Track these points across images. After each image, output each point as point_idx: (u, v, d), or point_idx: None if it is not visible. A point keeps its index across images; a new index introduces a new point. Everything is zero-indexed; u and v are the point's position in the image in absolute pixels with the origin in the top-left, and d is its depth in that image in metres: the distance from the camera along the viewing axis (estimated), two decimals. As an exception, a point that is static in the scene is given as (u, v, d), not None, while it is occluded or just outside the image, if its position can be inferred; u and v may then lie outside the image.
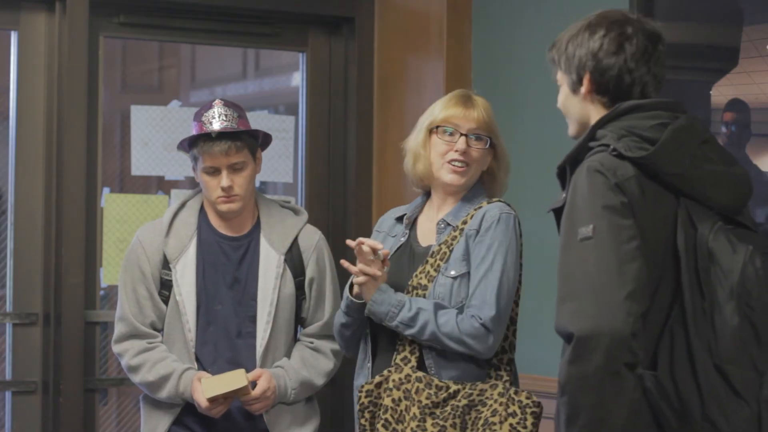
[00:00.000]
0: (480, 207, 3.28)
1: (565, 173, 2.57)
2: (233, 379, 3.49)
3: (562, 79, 2.65)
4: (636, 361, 2.35)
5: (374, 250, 3.23)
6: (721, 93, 3.68)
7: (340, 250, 4.65)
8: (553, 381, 4.09)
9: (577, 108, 2.64)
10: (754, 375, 2.40)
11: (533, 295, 4.28)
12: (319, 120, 4.79)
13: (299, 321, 3.74)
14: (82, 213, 4.36)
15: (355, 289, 3.27)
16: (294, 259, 3.69)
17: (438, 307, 3.18)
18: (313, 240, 3.73)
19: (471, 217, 3.26)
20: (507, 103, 4.39)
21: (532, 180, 4.29)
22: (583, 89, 2.60)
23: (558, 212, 2.56)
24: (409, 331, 3.17)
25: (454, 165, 3.29)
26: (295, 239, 3.70)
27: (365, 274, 3.22)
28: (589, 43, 2.58)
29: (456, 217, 3.30)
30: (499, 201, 3.32)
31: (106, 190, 4.50)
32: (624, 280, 2.35)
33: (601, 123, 2.53)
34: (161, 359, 3.58)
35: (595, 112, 2.60)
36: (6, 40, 4.44)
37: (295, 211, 3.77)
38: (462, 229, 3.25)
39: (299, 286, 3.69)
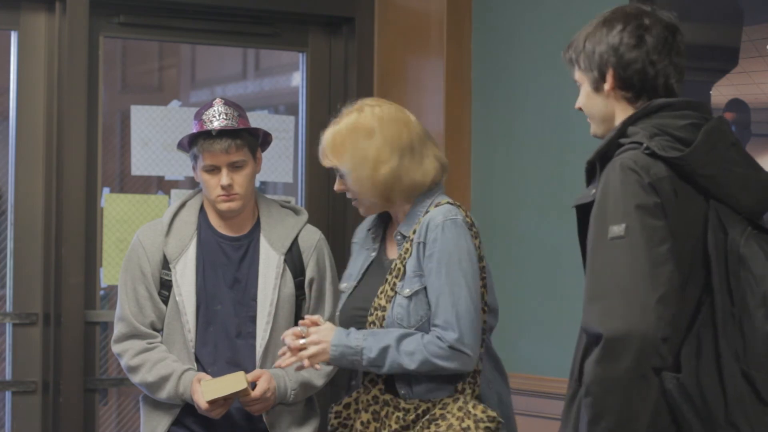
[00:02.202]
0: (427, 212, 3.15)
1: (594, 169, 2.53)
2: (233, 382, 3.49)
3: (582, 78, 2.61)
4: (664, 366, 2.34)
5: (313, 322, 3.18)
6: (721, 93, 3.68)
7: (340, 251, 4.66)
8: (553, 381, 4.11)
9: (601, 106, 2.59)
10: None
11: (533, 295, 4.28)
12: (319, 120, 4.79)
13: (299, 321, 3.74)
14: (82, 213, 4.36)
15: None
16: (294, 259, 3.68)
17: (400, 338, 3.08)
18: (313, 240, 3.72)
19: (419, 225, 3.14)
20: (507, 103, 4.39)
21: (532, 179, 4.29)
22: (607, 86, 2.56)
23: (582, 208, 2.53)
24: (382, 370, 3.09)
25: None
26: (295, 239, 3.70)
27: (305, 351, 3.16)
28: (608, 39, 2.54)
29: (408, 226, 3.18)
30: (446, 203, 3.16)
31: (106, 190, 4.50)
32: (656, 283, 2.34)
33: (633, 119, 2.50)
34: (161, 360, 3.58)
35: (620, 108, 2.57)
36: (6, 40, 4.44)
37: (296, 211, 3.76)
38: (412, 240, 3.14)
39: (299, 286, 3.69)
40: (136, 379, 3.61)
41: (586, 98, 2.62)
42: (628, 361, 2.30)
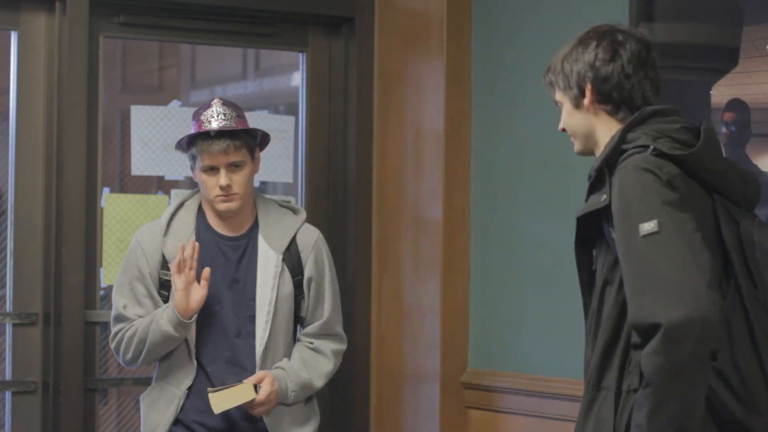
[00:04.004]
0: None
1: (601, 176, 2.60)
2: (242, 393, 3.50)
3: (563, 98, 2.71)
4: (719, 349, 2.40)
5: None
6: (721, 93, 3.68)
7: (339, 250, 4.66)
8: (554, 381, 4.11)
9: (582, 122, 2.69)
10: None
11: (533, 295, 4.28)
12: (319, 120, 4.79)
13: (298, 320, 3.74)
14: (82, 213, 4.36)
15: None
16: (292, 259, 3.68)
17: None
18: (311, 239, 3.72)
19: None
20: (507, 103, 4.39)
21: (532, 180, 4.29)
22: (587, 100, 2.65)
23: (583, 219, 2.60)
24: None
25: None
26: (294, 238, 3.70)
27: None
28: (585, 56, 2.65)
29: None
30: None
31: (106, 190, 4.50)
32: (702, 269, 2.40)
33: (630, 126, 2.59)
34: (141, 321, 3.59)
35: (601, 122, 2.66)
36: (6, 40, 4.44)
37: (294, 211, 3.76)
38: None
39: (298, 286, 3.69)
40: (132, 354, 3.60)
41: (567, 116, 2.72)
42: (690, 347, 2.35)
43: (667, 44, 3.84)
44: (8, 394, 4.37)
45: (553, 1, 4.25)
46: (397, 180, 4.66)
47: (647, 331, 2.40)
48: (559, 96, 2.72)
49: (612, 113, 2.65)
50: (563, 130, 2.75)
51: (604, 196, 2.55)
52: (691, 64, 3.82)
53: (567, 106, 2.70)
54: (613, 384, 2.51)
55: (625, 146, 2.57)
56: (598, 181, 2.61)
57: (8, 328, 4.38)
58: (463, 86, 4.50)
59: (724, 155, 2.64)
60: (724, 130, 3.66)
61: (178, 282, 3.52)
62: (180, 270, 3.52)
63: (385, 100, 4.72)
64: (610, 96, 2.63)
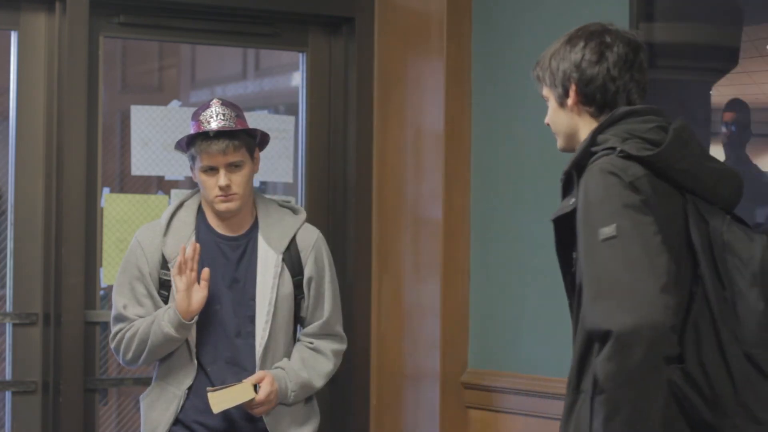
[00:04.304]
0: None
1: (570, 179, 2.61)
2: (241, 393, 3.50)
3: (549, 94, 2.71)
4: (674, 354, 2.39)
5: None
6: (721, 93, 3.67)
7: (339, 250, 4.66)
8: (553, 381, 4.11)
9: (565, 121, 2.70)
10: None
11: (533, 295, 4.28)
12: (319, 120, 4.79)
13: (298, 320, 3.74)
14: (82, 213, 4.36)
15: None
16: (292, 258, 3.69)
17: None
18: (311, 239, 3.72)
19: None
20: (507, 103, 4.39)
21: (532, 180, 4.29)
22: (570, 101, 2.66)
23: (559, 221, 2.60)
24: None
25: None
26: (293, 238, 3.70)
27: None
28: (571, 56, 2.65)
29: None
30: None
31: (106, 190, 4.50)
32: (657, 273, 2.39)
33: (601, 128, 2.59)
34: (141, 322, 3.59)
35: (583, 123, 2.66)
36: (6, 40, 4.44)
37: (294, 210, 3.76)
38: None
39: (298, 286, 3.69)
40: (133, 354, 3.60)
41: (552, 113, 2.72)
42: (641, 353, 2.34)
43: (667, 44, 3.84)
44: (8, 394, 4.37)
45: (553, 1, 4.25)
46: (397, 180, 4.66)
47: (601, 338, 2.39)
48: (545, 92, 2.73)
49: (594, 115, 2.65)
50: (548, 124, 2.76)
51: (573, 200, 2.55)
52: (691, 64, 3.81)
53: (552, 104, 2.71)
54: (589, 387, 2.49)
55: (594, 148, 2.56)
56: (568, 184, 2.62)
57: (8, 328, 4.38)
58: (463, 86, 4.50)
59: (708, 152, 2.63)
60: (724, 130, 3.66)
61: (179, 283, 3.52)
62: (181, 271, 3.52)
63: (385, 100, 4.72)
64: (593, 98, 2.64)
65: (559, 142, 2.75)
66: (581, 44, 2.64)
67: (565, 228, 2.60)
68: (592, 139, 2.58)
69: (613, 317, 2.36)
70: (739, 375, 2.43)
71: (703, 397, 2.44)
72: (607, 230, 2.43)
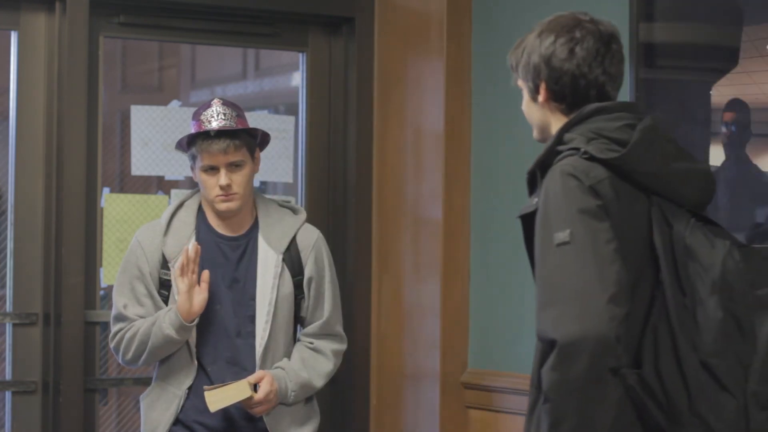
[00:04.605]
0: None
1: (535, 178, 2.57)
2: (237, 391, 3.50)
3: (522, 85, 2.69)
4: (620, 366, 2.35)
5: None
6: (721, 93, 3.67)
7: (339, 250, 4.66)
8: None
9: (538, 114, 2.66)
10: (739, 368, 2.40)
11: (533, 295, 4.28)
12: (319, 120, 4.79)
13: (298, 320, 3.74)
14: (82, 213, 4.36)
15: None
16: (292, 258, 3.69)
17: None
18: (311, 239, 3.73)
19: None
20: (507, 103, 4.39)
21: (532, 180, 4.29)
22: (541, 98, 2.63)
23: (526, 218, 2.56)
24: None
25: None
26: (294, 238, 3.70)
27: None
28: (541, 49, 2.60)
29: None
30: None
31: (106, 190, 4.50)
32: (605, 284, 2.35)
33: (568, 127, 2.55)
34: (142, 321, 3.59)
35: (555, 119, 2.62)
36: (6, 40, 4.44)
37: (294, 211, 3.77)
38: None
39: (298, 286, 3.69)
40: (132, 355, 3.60)
41: (526, 106, 2.70)
42: (584, 364, 2.31)
43: (667, 44, 3.84)
44: (8, 394, 4.37)
45: (553, 1, 4.24)
46: (397, 180, 4.66)
47: (548, 346, 2.37)
48: (519, 82, 2.70)
49: (565, 112, 2.61)
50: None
51: (536, 200, 2.52)
52: (691, 64, 3.81)
53: (525, 96, 2.68)
54: None
55: (560, 147, 2.53)
56: (532, 183, 2.58)
57: (8, 328, 4.38)
58: (463, 86, 4.50)
59: (679, 150, 2.55)
60: (724, 130, 3.66)
61: (181, 285, 3.52)
62: (183, 273, 3.52)
63: (385, 100, 4.72)
64: (563, 95, 2.60)
65: (535, 133, 2.70)
66: (551, 38, 2.59)
67: (531, 225, 2.56)
68: (559, 138, 2.54)
69: (558, 326, 2.34)
70: (694, 384, 2.39)
71: (658, 404, 2.40)
72: (562, 235, 2.40)
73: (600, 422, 2.34)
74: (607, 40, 2.60)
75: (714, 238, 2.45)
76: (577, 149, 2.48)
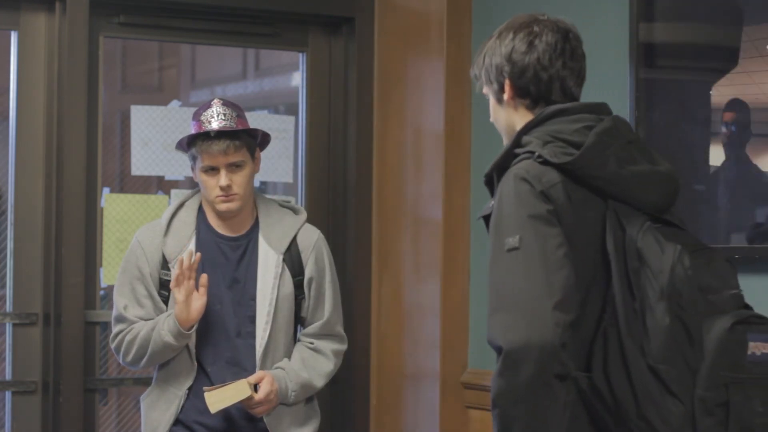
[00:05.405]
0: None
1: (492, 181, 2.56)
2: (237, 391, 3.50)
3: (487, 92, 2.66)
4: (566, 372, 2.35)
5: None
6: (721, 93, 3.67)
7: (339, 250, 4.66)
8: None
9: (504, 117, 2.64)
10: (687, 374, 2.39)
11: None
12: (319, 120, 4.79)
13: (299, 320, 3.74)
14: (82, 213, 4.36)
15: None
16: (293, 259, 3.69)
17: None
18: (312, 239, 3.73)
19: None
20: (507, 103, 4.39)
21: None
22: (506, 95, 2.61)
23: (487, 219, 2.55)
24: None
25: None
26: (294, 238, 3.70)
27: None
28: (502, 49, 2.60)
29: None
30: None
31: (106, 190, 4.50)
32: (552, 290, 2.35)
33: (526, 129, 2.54)
34: (143, 324, 3.59)
35: (519, 117, 2.60)
36: (6, 40, 4.44)
37: (294, 211, 3.77)
38: None
39: (298, 286, 3.69)
40: (133, 357, 3.60)
41: (492, 111, 2.67)
42: (529, 371, 2.31)
43: (667, 44, 3.84)
44: (8, 394, 4.37)
45: (553, 2, 4.25)
46: (397, 180, 4.67)
47: (496, 351, 2.36)
48: (485, 90, 2.68)
49: (530, 107, 2.59)
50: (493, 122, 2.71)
51: (492, 203, 2.50)
52: (691, 64, 3.81)
53: (492, 101, 2.66)
54: None
55: (517, 150, 2.51)
56: (490, 185, 2.57)
57: (8, 328, 4.38)
58: (463, 86, 4.50)
59: (640, 152, 2.53)
60: (724, 130, 3.66)
61: (177, 294, 3.52)
62: (179, 283, 3.52)
63: (385, 100, 4.72)
64: (527, 90, 2.58)
65: (505, 140, 2.67)
66: (510, 36, 2.59)
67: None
68: (517, 140, 2.53)
69: (505, 333, 2.34)
70: (641, 388, 2.38)
71: (607, 408, 2.40)
72: (512, 241, 2.39)
73: (549, 428, 2.34)
74: (564, 34, 2.60)
75: (665, 243, 2.43)
76: (533, 152, 2.47)
